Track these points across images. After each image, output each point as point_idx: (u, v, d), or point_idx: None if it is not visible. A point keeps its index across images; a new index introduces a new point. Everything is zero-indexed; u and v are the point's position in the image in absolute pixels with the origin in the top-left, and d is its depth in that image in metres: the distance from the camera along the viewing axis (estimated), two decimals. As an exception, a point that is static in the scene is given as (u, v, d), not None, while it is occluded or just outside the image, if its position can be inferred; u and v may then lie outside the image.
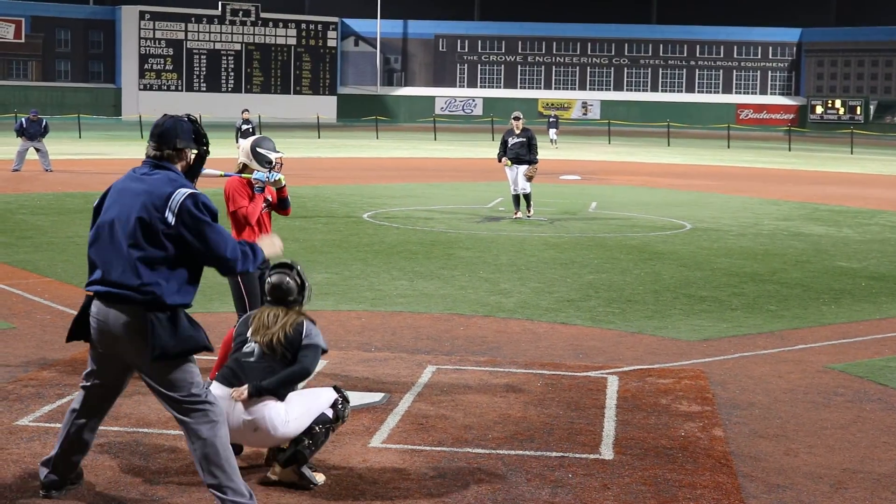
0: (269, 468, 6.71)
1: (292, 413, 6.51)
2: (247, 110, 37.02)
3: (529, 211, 21.95)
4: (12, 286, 13.27)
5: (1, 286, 13.28)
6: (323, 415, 6.60)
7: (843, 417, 8.34)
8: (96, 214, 5.99)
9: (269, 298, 6.92)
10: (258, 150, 8.91)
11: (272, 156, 8.93)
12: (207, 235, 5.76)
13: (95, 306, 5.92)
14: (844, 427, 8.09)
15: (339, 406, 6.68)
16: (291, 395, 6.61)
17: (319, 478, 6.59)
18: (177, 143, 5.95)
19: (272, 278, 6.90)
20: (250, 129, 35.43)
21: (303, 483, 6.49)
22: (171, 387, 5.87)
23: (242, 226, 8.89)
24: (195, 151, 6.05)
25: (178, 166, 5.97)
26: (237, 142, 32.78)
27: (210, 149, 6.19)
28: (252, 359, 6.64)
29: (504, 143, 22.08)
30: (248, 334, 6.75)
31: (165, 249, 5.74)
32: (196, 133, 6.02)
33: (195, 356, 5.97)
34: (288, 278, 6.89)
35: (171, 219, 5.72)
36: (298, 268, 7.01)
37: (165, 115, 6.09)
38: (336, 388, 6.81)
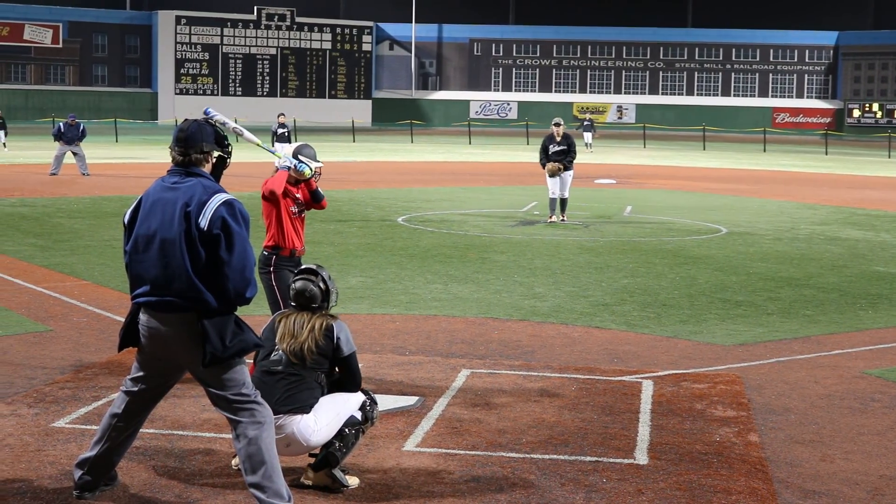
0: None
1: (321, 421, 6.51)
2: (282, 114, 37.22)
3: (563, 216, 21.97)
4: (49, 289, 13.37)
5: (38, 289, 13.38)
6: (352, 417, 6.61)
7: (881, 423, 8.27)
8: (130, 227, 6.03)
9: (293, 304, 6.91)
10: (299, 157, 9.00)
11: (312, 164, 9.02)
12: (236, 245, 5.80)
13: (145, 315, 5.97)
14: (882, 433, 8.02)
15: (368, 408, 6.67)
16: (320, 401, 6.61)
17: (353, 481, 6.59)
18: (203, 146, 6.00)
19: (296, 284, 6.87)
20: (286, 133, 35.64)
21: (336, 486, 6.50)
22: (223, 386, 5.97)
23: (270, 214, 8.95)
24: (218, 153, 6.12)
25: (205, 168, 6.02)
26: (273, 145, 33.00)
27: (232, 152, 6.24)
28: (280, 367, 6.63)
29: (545, 149, 21.98)
30: (276, 341, 6.75)
31: (203, 257, 5.80)
32: (217, 136, 6.10)
33: (245, 357, 6.05)
34: (312, 285, 6.85)
35: (203, 224, 5.76)
36: (323, 273, 6.94)
37: (187, 119, 6.14)
38: (363, 391, 6.81)
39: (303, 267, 7.02)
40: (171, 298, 5.82)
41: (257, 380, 6.59)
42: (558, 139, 21.82)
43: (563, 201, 22.02)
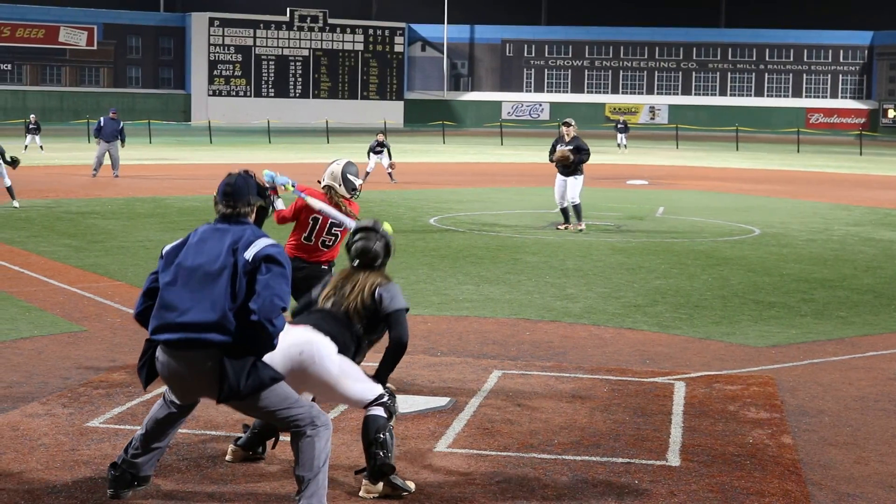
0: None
1: (342, 363, 6.49)
2: (382, 133, 35.17)
3: (581, 224, 20.60)
4: (83, 289, 13.46)
5: (72, 289, 13.48)
6: (379, 418, 6.49)
7: (916, 426, 8.22)
8: (169, 258, 6.14)
9: (355, 263, 6.95)
10: (348, 175, 9.17)
11: (357, 182, 9.25)
12: (275, 272, 5.92)
13: (163, 354, 6.06)
14: (916, 435, 7.97)
15: (388, 401, 6.60)
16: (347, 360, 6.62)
17: (411, 485, 6.56)
18: (250, 199, 6.21)
19: (357, 244, 6.97)
20: (386, 149, 33.68)
21: (397, 493, 6.45)
22: (260, 412, 6.14)
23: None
24: (261, 204, 6.38)
25: (250, 219, 6.23)
26: (368, 157, 33.06)
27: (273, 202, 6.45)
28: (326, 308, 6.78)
29: (553, 150, 20.90)
30: (320, 299, 6.87)
31: (242, 292, 5.91)
32: (259, 188, 6.34)
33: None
34: (372, 242, 6.96)
35: (249, 256, 5.93)
36: (381, 229, 7.06)
37: (230, 174, 6.31)
38: (381, 384, 6.73)
39: (359, 226, 7.12)
40: (199, 334, 5.88)
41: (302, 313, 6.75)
42: (567, 139, 20.61)
43: (576, 208, 20.58)
